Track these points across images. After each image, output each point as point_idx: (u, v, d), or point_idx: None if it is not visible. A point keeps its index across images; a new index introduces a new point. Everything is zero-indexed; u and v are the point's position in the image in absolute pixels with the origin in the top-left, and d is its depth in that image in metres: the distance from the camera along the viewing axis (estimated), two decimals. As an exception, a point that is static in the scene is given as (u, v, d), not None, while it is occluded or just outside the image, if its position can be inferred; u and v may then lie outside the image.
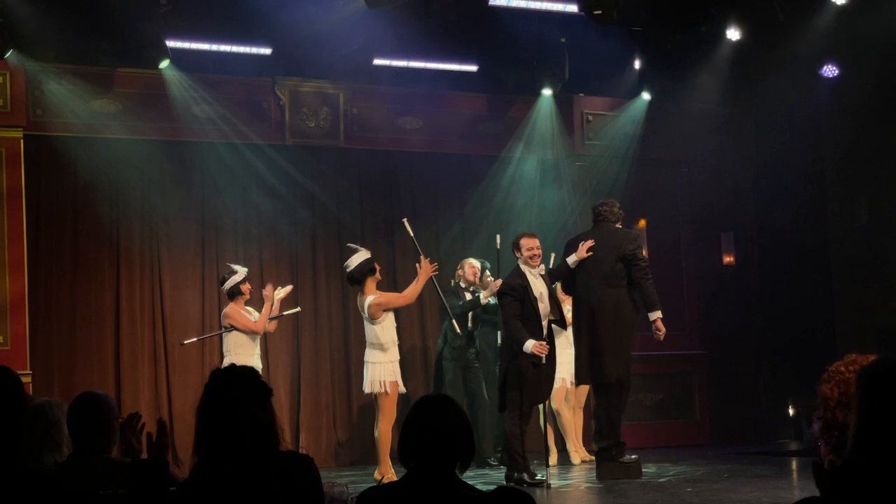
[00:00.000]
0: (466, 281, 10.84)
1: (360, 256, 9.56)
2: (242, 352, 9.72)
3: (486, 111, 12.58)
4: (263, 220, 11.67)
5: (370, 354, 9.57)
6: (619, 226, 9.62)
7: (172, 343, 11.13)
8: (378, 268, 9.64)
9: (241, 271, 9.96)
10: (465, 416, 3.42)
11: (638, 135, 12.73)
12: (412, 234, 9.96)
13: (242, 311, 9.87)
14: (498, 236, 10.21)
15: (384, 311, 9.50)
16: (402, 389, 9.60)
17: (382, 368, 9.46)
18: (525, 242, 9.21)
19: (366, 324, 9.58)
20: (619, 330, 9.35)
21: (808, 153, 13.02)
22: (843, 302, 12.93)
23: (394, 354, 9.57)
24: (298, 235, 11.86)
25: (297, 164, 11.71)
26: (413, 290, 9.72)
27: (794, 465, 10.69)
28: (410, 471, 3.37)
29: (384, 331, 9.54)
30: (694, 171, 13.32)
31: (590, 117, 12.86)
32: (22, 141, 10.50)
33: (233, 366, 3.36)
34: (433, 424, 3.35)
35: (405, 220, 10.12)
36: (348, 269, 9.58)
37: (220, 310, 11.35)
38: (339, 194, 12.08)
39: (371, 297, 9.46)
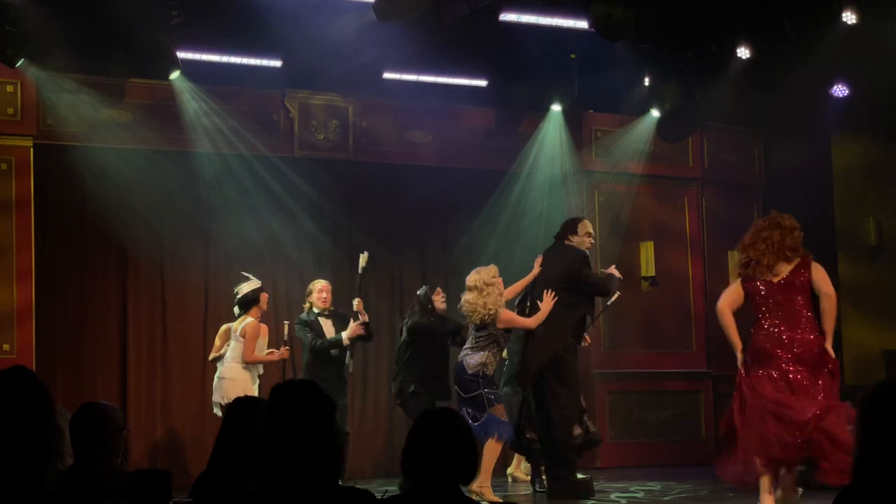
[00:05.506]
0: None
1: (251, 285, 9.86)
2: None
3: (496, 126, 12.58)
4: (270, 233, 11.65)
5: (231, 370, 9.70)
6: (569, 242, 9.20)
7: (174, 352, 11.16)
8: (265, 297, 9.96)
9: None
10: (467, 430, 3.41)
11: (647, 151, 12.73)
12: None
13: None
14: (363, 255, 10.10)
15: (251, 338, 9.72)
16: None
17: (245, 386, 9.48)
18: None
19: (234, 342, 9.79)
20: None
21: (817, 172, 12.98)
22: (850, 322, 12.88)
23: (255, 377, 9.76)
24: (305, 248, 11.85)
25: (305, 177, 11.71)
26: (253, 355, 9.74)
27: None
28: (414, 486, 3.36)
29: (257, 350, 9.80)
30: (702, 189, 13.30)
31: (599, 133, 12.87)
32: (32, 150, 10.54)
33: (294, 380, 3.39)
34: (435, 439, 3.34)
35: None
36: (238, 295, 9.86)
37: (226, 320, 11.31)
38: (347, 207, 12.08)
39: (252, 319, 9.76)
